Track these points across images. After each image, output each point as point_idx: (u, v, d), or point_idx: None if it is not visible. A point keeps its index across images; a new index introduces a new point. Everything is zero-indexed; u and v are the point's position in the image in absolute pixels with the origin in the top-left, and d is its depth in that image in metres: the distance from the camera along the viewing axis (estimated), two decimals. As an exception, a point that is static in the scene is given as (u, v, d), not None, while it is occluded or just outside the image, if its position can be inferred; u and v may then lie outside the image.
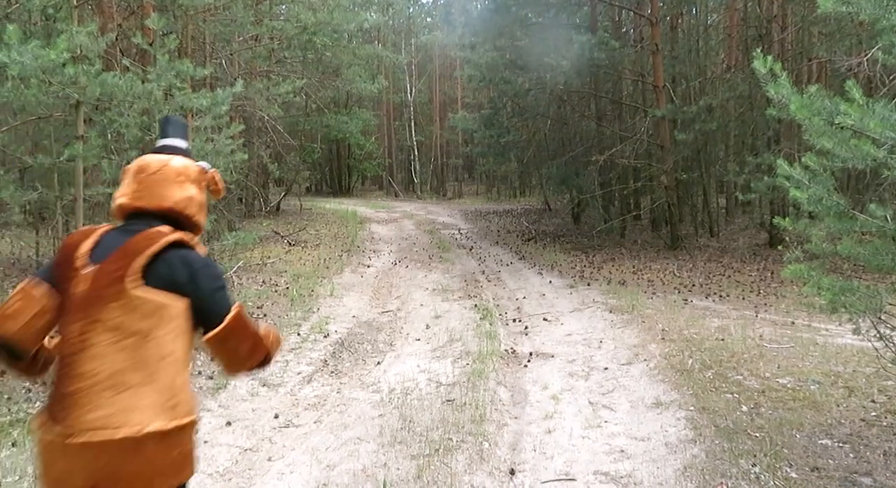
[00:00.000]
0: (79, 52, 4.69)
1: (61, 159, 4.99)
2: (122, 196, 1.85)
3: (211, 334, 1.76)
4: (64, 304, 1.70)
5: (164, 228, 1.78)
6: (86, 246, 1.75)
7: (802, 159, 3.58)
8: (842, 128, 3.20)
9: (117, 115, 5.84)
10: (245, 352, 1.82)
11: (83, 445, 1.58)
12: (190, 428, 1.74)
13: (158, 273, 1.69)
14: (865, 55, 6.88)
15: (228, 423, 4.40)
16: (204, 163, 1.98)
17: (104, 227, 1.82)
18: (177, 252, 1.74)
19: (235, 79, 9.75)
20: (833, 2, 3.33)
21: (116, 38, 7.93)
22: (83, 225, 5.06)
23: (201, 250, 1.83)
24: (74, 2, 5.01)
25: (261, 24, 14.39)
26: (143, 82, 5.16)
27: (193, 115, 7.58)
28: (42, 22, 8.54)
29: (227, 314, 1.76)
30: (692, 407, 4.44)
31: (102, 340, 1.64)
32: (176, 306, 1.70)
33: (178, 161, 1.89)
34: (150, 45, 6.11)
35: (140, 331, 1.65)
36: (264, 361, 1.88)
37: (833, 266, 7.20)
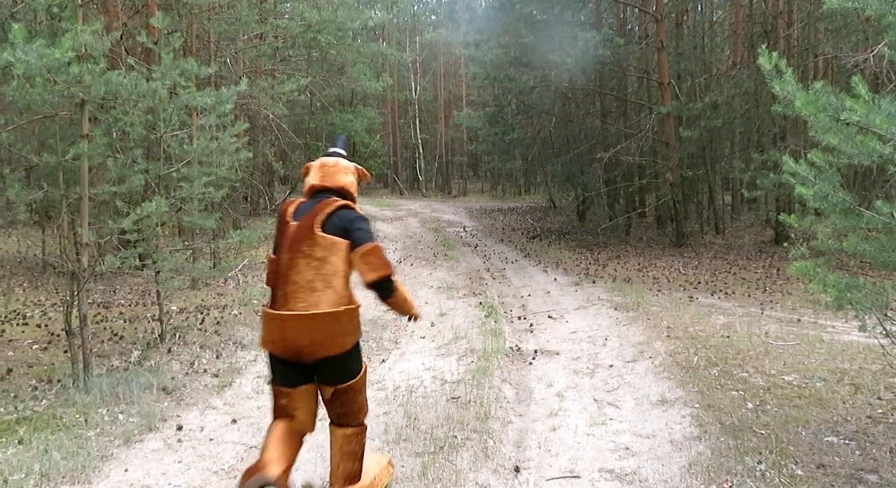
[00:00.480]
0: (84, 50, 4.69)
1: (67, 158, 4.99)
2: (313, 180, 3.02)
3: (358, 250, 2.79)
4: (280, 243, 2.86)
5: (337, 199, 2.93)
6: (290, 209, 2.92)
7: (808, 156, 3.56)
8: (848, 124, 3.18)
9: (122, 114, 5.85)
10: (377, 265, 2.80)
11: (298, 317, 2.71)
12: (356, 310, 2.86)
13: (332, 223, 2.82)
14: (872, 51, 6.84)
15: (234, 421, 4.41)
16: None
17: (299, 200, 2.98)
18: (343, 211, 2.87)
19: (240, 77, 9.76)
20: (839, -3, 3.31)
21: (121, 37, 7.95)
22: (88, 223, 5.08)
23: (358, 211, 2.94)
24: (79, 0, 5.01)
25: (265, 23, 14.40)
26: (147, 81, 5.16)
27: (198, 114, 7.59)
28: (47, 21, 8.56)
29: (368, 243, 2.79)
30: (697, 405, 4.43)
31: (301, 263, 2.77)
32: (342, 242, 2.79)
33: (343, 161, 3.12)
34: (155, 43, 6.12)
35: (322, 257, 2.76)
36: (388, 280, 2.85)
37: (839, 263, 7.18)
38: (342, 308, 2.76)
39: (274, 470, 2.67)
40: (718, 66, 15.99)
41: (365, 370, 3.01)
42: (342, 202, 2.90)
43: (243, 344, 6.28)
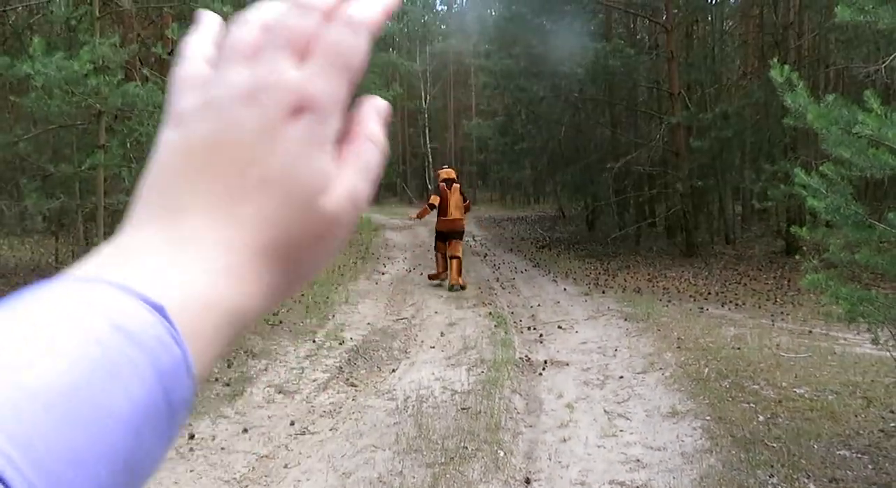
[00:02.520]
0: (101, 62, 4.76)
1: (83, 168, 5.06)
2: (447, 175, 9.67)
3: (466, 202, 9.79)
4: (444, 195, 9.42)
5: (457, 183, 9.67)
6: (443, 185, 9.52)
7: (820, 168, 3.57)
8: (860, 137, 3.19)
9: (137, 125, 5.92)
10: (468, 205, 9.89)
11: (452, 220, 9.36)
12: (465, 218, 9.72)
13: (459, 191, 9.60)
14: (883, 62, 6.83)
15: (245, 430, 4.43)
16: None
17: (442, 182, 9.58)
18: (460, 187, 9.72)
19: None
20: (851, 11, 3.33)
21: (138, 48, 8.03)
22: (104, 233, 5.13)
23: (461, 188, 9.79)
24: (97, 13, 5.09)
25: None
26: (162, 92, 5.23)
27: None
28: (65, 33, 8.68)
29: (468, 199, 10.00)
30: (708, 417, 4.42)
31: (452, 202, 9.38)
32: (459, 196, 9.56)
33: (450, 169, 10.09)
34: (170, 54, 6.20)
35: (457, 199, 9.47)
36: (469, 207, 10.08)
37: (851, 274, 7.14)
38: (463, 217, 9.52)
39: (459, 279, 9.29)
40: (729, 77, 15.97)
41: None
42: (458, 185, 9.61)
43: (254, 353, 6.31)
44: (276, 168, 0.31)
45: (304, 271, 0.33)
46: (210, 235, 0.29)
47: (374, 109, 0.37)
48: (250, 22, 0.33)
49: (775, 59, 3.76)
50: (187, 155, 0.31)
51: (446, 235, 9.27)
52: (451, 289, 9.18)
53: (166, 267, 0.28)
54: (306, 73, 0.32)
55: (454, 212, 9.28)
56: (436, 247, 9.66)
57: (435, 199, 9.33)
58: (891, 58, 6.03)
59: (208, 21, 0.36)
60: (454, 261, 9.22)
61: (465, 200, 9.49)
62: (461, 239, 9.46)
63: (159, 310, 0.26)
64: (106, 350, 0.24)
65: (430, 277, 9.79)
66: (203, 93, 0.32)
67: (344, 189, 0.33)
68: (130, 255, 0.28)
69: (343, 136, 0.34)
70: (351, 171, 0.34)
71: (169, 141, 0.31)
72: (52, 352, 0.23)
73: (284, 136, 0.31)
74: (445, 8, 39.39)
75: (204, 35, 0.35)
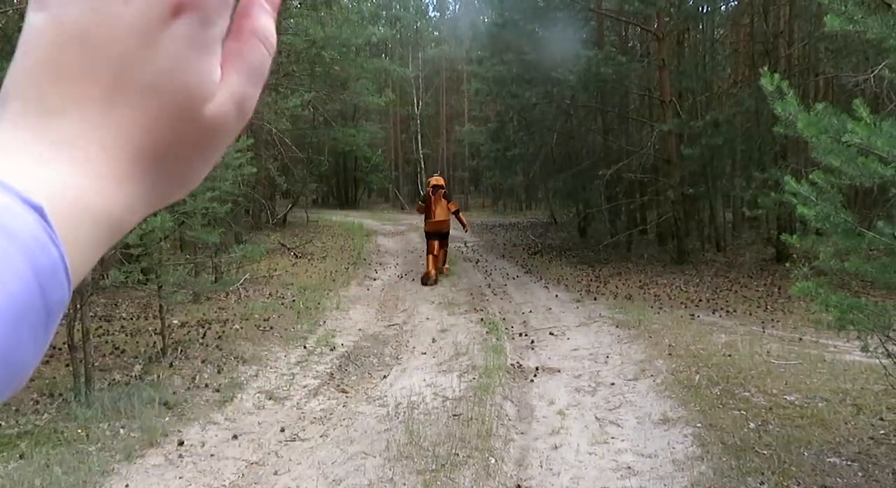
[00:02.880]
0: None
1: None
2: (436, 182, 10.93)
3: (450, 203, 10.86)
4: (430, 200, 10.71)
5: (443, 189, 10.85)
6: (430, 191, 10.78)
7: (810, 176, 3.59)
8: (849, 146, 3.21)
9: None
10: (454, 206, 10.97)
11: (438, 222, 10.63)
12: (450, 219, 10.86)
13: (444, 196, 10.74)
14: (872, 72, 6.89)
15: (235, 437, 4.40)
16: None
17: (430, 189, 10.85)
18: (445, 192, 10.82)
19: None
20: (840, 20, 3.35)
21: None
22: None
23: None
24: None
25: (270, 38, 14.49)
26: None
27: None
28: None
29: (453, 201, 11.06)
30: (699, 424, 4.42)
31: (439, 206, 10.64)
32: (444, 202, 10.73)
33: (439, 176, 11.43)
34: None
35: (442, 203, 10.66)
36: (458, 210, 11.12)
37: (841, 282, 7.18)
38: (448, 218, 10.70)
39: (434, 272, 10.46)
40: (719, 85, 16.08)
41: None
42: (444, 190, 10.80)
43: (244, 359, 6.28)
44: (156, 72, 0.29)
45: (184, 179, 0.32)
46: (86, 139, 0.28)
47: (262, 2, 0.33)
48: None
49: (766, 68, 3.78)
50: (59, 46, 0.29)
51: (432, 235, 10.72)
52: (423, 281, 10.46)
53: (43, 167, 0.27)
54: None
55: (439, 214, 10.65)
56: (427, 250, 10.86)
57: (419, 207, 11.30)
58: (879, 67, 6.09)
59: None
60: (432, 258, 10.61)
61: (448, 202, 10.83)
62: (446, 239, 11.03)
63: (38, 209, 0.25)
64: None
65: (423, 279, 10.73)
66: None
67: (228, 95, 0.31)
68: (7, 152, 0.28)
69: (228, 32, 0.32)
70: (236, 74, 0.32)
71: (36, 26, 0.29)
72: None
73: (164, 38, 0.29)
74: (438, 14, 39.49)
75: None
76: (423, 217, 11.06)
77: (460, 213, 11.16)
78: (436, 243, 10.71)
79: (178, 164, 0.31)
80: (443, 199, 10.70)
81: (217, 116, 0.31)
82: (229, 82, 0.31)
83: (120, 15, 0.28)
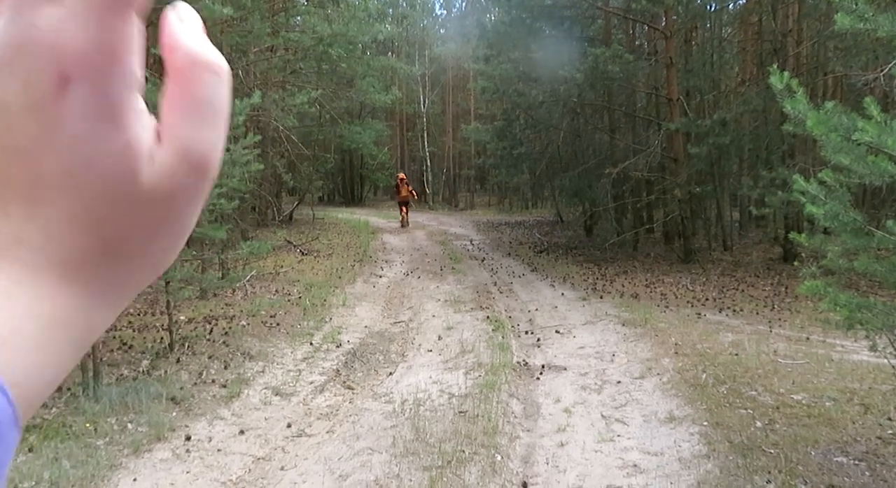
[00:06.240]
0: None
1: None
2: (401, 177, 19.74)
3: (409, 186, 20.17)
4: (399, 185, 19.64)
5: (405, 180, 19.75)
6: (400, 182, 19.62)
7: (819, 175, 3.58)
8: (859, 144, 3.20)
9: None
10: (413, 190, 20.43)
11: (404, 196, 19.64)
12: (411, 194, 20.20)
13: (406, 183, 19.62)
14: (882, 70, 6.85)
15: (242, 432, 4.42)
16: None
17: (399, 179, 19.78)
18: (405, 181, 19.73)
19: (251, 89, 9.83)
20: (850, 19, 3.34)
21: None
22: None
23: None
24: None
25: (277, 36, 14.52)
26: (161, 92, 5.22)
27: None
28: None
29: (410, 188, 20.03)
30: (706, 423, 4.42)
31: (403, 188, 19.38)
32: (406, 186, 19.61)
33: (402, 173, 20.91)
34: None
35: (405, 188, 19.45)
36: (414, 193, 20.78)
37: (849, 281, 7.16)
38: (408, 195, 19.47)
39: (406, 220, 19.30)
40: (727, 83, 16.01)
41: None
42: (406, 180, 19.73)
43: (251, 355, 6.30)
44: (66, 156, 0.25)
45: (149, 261, 0.28)
46: (17, 244, 0.25)
47: (181, 20, 0.28)
48: None
49: (774, 66, 3.77)
50: None
51: (401, 203, 19.30)
52: (402, 225, 18.97)
53: None
54: (53, 20, 0.24)
55: (403, 193, 19.21)
56: (400, 211, 19.49)
57: (394, 190, 21.00)
58: (890, 66, 6.06)
59: None
60: (405, 209, 19.27)
61: (410, 189, 19.56)
62: (408, 205, 19.42)
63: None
64: None
65: (402, 224, 19.26)
66: None
67: (172, 150, 0.26)
68: None
69: (164, 73, 0.27)
70: (181, 120, 0.27)
71: None
72: None
73: (63, 115, 0.24)
74: (445, 12, 39.49)
75: None
76: (397, 196, 19.71)
77: (413, 193, 20.05)
78: (404, 208, 19.17)
79: (133, 248, 0.27)
80: (405, 185, 19.20)
81: (160, 182, 0.26)
82: (171, 134, 0.27)
83: (5, 97, 0.24)
